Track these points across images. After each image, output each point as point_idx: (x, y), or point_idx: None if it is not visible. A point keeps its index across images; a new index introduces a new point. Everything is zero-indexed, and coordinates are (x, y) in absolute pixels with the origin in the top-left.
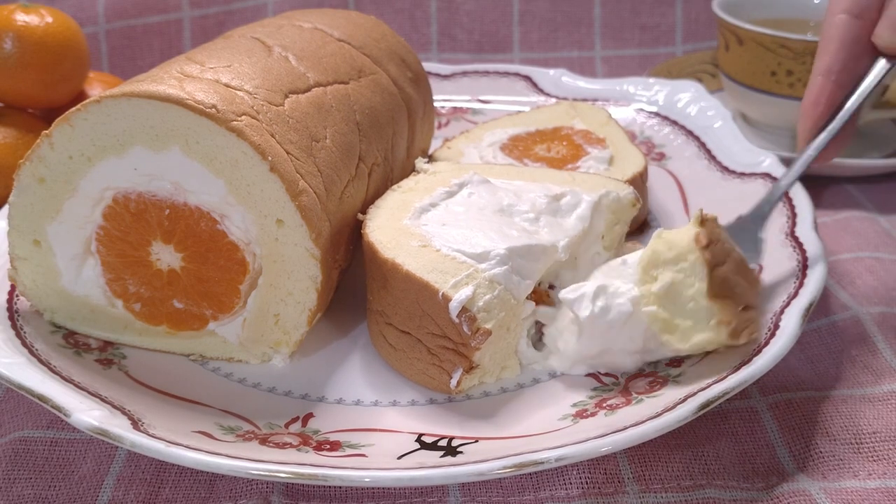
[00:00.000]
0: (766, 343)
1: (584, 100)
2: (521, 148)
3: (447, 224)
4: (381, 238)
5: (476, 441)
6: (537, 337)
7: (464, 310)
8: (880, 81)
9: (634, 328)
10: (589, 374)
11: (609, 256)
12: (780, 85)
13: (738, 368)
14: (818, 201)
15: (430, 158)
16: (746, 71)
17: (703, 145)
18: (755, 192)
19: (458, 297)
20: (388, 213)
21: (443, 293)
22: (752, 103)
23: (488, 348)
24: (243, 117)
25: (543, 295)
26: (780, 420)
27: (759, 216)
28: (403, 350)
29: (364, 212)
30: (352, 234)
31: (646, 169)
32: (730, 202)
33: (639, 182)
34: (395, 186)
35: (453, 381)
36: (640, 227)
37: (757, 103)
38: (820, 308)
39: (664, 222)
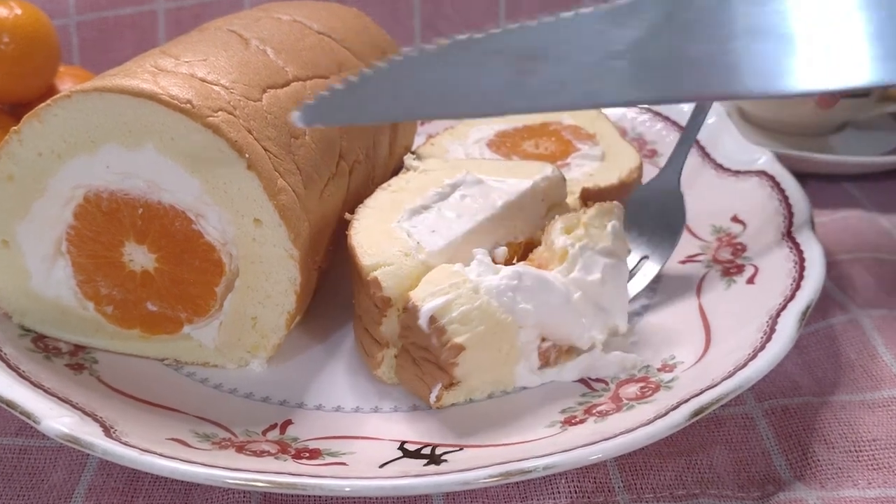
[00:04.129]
0: (762, 347)
1: None
2: (508, 144)
3: (437, 231)
4: (363, 242)
5: (461, 449)
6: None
7: (432, 319)
8: None
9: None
10: (578, 380)
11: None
12: None
13: (732, 374)
14: (816, 200)
15: (416, 156)
16: None
17: (696, 142)
18: (751, 190)
19: (428, 305)
20: (376, 213)
21: (413, 301)
22: (751, 99)
23: (472, 365)
24: (220, 113)
25: None
26: (776, 427)
27: (674, 171)
28: (373, 356)
29: (349, 211)
30: (333, 235)
31: (641, 165)
32: (724, 201)
33: (635, 178)
34: (384, 185)
35: (432, 396)
36: None
37: (755, 100)
38: (817, 311)
39: None
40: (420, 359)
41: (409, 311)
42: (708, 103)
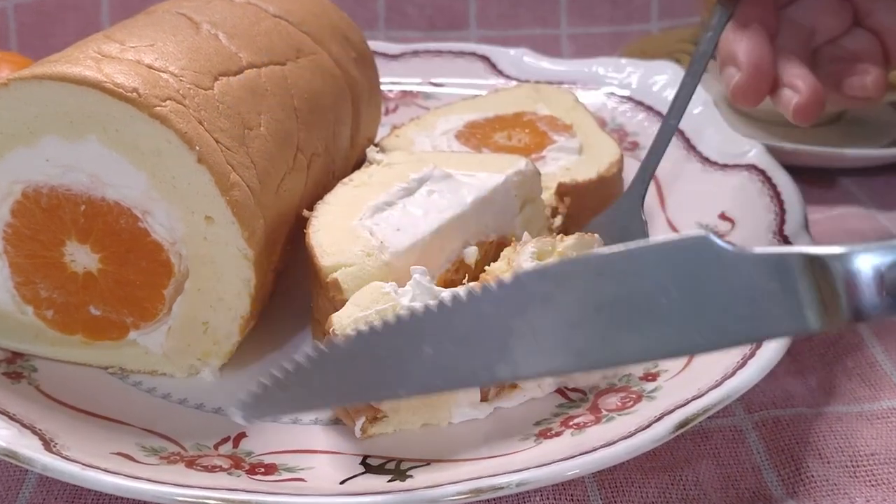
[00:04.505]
0: (752, 354)
1: (549, 82)
2: (478, 136)
3: (402, 230)
4: (322, 241)
5: (428, 464)
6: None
7: None
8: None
9: None
10: (554, 391)
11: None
12: None
13: (720, 383)
14: (810, 196)
15: (379, 148)
16: None
17: (680, 133)
18: (739, 185)
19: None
20: (336, 210)
21: (333, 326)
22: None
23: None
24: (168, 102)
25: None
26: (767, 440)
27: (634, 194)
28: None
29: (307, 208)
30: (290, 233)
31: (621, 158)
32: (710, 196)
33: (615, 173)
34: (345, 180)
35: (356, 429)
36: None
37: None
38: None
39: None
40: (323, 335)
41: (328, 335)
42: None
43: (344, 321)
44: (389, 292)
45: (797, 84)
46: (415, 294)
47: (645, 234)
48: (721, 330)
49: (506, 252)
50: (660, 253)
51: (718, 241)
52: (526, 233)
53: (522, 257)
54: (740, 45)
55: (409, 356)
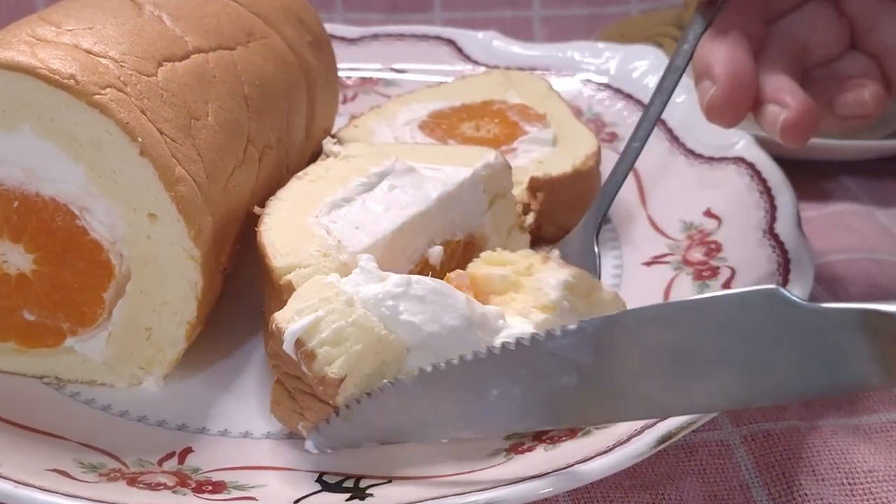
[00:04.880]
0: None
1: (520, 68)
2: (444, 126)
3: (361, 228)
4: (275, 240)
5: (389, 481)
6: None
7: (299, 343)
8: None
9: None
10: None
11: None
12: None
13: None
14: (803, 191)
15: (336, 139)
16: None
17: (663, 123)
18: (727, 179)
19: (293, 327)
20: (291, 206)
21: (276, 323)
22: None
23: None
24: (108, 90)
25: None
26: (756, 456)
27: (589, 225)
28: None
29: (258, 204)
30: (240, 232)
31: (599, 150)
32: (695, 192)
33: (591, 167)
34: (300, 174)
35: (308, 444)
36: None
37: None
38: None
39: (618, 216)
40: (296, 391)
41: (274, 336)
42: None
43: (286, 316)
44: (333, 282)
45: (785, 99)
46: (359, 281)
47: (596, 272)
48: (783, 385)
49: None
50: (729, 305)
51: (787, 294)
52: (555, 253)
53: (552, 282)
54: (717, 54)
55: (477, 398)
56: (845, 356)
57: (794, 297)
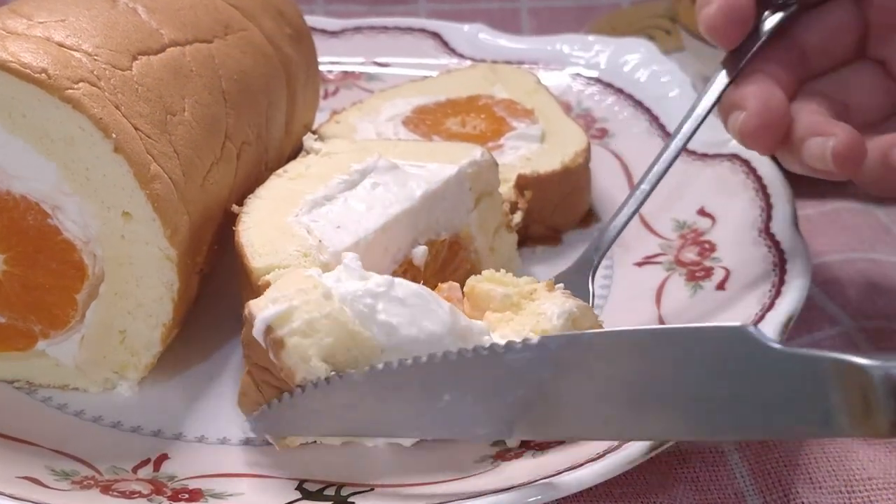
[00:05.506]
0: None
1: (507, 62)
2: (428, 122)
3: (343, 227)
4: (254, 239)
5: (371, 489)
6: None
7: (269, 330)
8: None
9: None
10: None
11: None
12: None
13: None
14: (799, 188)
15: (317, 136)
16: None
17: (655, 119)
18: (720, 176)
19: (265, 313)
20: (270, 205)
21: (249, 310)
22: None
23: None
24: (81, 84)
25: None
26: (751, 463)
27: (585, 263)
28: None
29: (236, 202)
30: (217, 231)
31: (588, 147)
32: (688, 190)
33: (581, 164)
34: (279, 171)
35: (249, 427)
36: (583, 221)
37: None
38: (801, 323)
39: (609, 213)
40: (263, 383)
41: (246, 322)
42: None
43: (261, 303)
44: (312, 275)
45: (828, 129)
46: (340, 278)
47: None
48: (745, 424)
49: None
50: (697, 339)
51: (758, 334)
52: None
53: (551, 311)
54: (746, 89)
55: (427, 401)
56: (812, 403)
57: (764, 339)
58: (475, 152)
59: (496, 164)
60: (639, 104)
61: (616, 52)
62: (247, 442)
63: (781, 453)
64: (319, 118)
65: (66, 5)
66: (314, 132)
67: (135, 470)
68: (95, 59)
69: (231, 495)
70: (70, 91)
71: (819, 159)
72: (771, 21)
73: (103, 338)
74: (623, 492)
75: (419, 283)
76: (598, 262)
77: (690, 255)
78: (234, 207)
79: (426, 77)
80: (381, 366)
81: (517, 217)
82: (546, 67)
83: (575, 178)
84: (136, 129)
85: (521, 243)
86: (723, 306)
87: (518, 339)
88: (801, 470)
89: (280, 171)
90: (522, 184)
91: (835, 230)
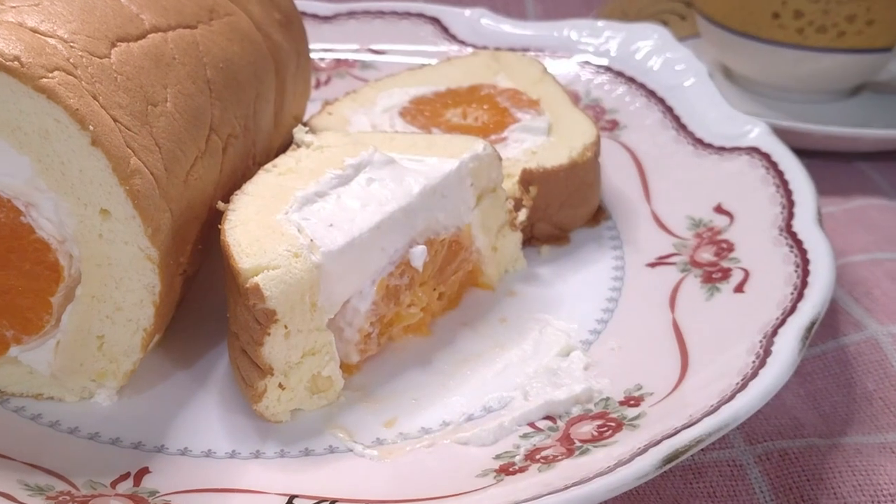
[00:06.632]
0: (754, 374)
1: (511, 49)
2: (427, 113)
3: (335, 225)
4: (241, 239)
5: None
6: None
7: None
8: None
9: None
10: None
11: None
12: (784, 30)
13: (716, 408)
14: (823, 184)
15: (308, 128)
16: (736, 10)
17: (669, 110)
18: (739, 172)
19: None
20: (258, 202)
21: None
22: (742, 54)
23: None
24: (56, 73)
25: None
26: (771, 477)
27: None
28: (253, 385)
29: (222, 199)
30: (202, 230)
31: (598, 140)
32: (704, 186)
33: (590, 158)
34: (268, 166)
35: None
36: (592, 219)
37: (748, 54)
38: (825, 327)
39: (620, 211)
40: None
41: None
42: None
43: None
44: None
45: None
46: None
47: None
48: None
49: None
50: None
51: None
52: None
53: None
54: None
55: None
56: None
57: None
58: (477, 146)
59: (499, 159)
60: (652, 94)
61: (627, 38)
62: (233, 455)
63: (804, 467)
64: (311, 109)
65: None
66: (305, 124)
67: (114, 485)
68: (71, 46)
69: None
70: (44, 80)
71: None
72: None
73: (80, 344)
74: None
75: (417, 285)
76: None
77: (707, 255)
78: (220, 204)
79: (425, 65)
80: None
81: (522, 215)
82: (553, 55)
83: (583, 173)
84: (114, 120)
85: (526, 243)
86: (741, 310)
87: None
88: (826, 485)
89: (269, 165)
90: (527, 179)
91: (861, 228)
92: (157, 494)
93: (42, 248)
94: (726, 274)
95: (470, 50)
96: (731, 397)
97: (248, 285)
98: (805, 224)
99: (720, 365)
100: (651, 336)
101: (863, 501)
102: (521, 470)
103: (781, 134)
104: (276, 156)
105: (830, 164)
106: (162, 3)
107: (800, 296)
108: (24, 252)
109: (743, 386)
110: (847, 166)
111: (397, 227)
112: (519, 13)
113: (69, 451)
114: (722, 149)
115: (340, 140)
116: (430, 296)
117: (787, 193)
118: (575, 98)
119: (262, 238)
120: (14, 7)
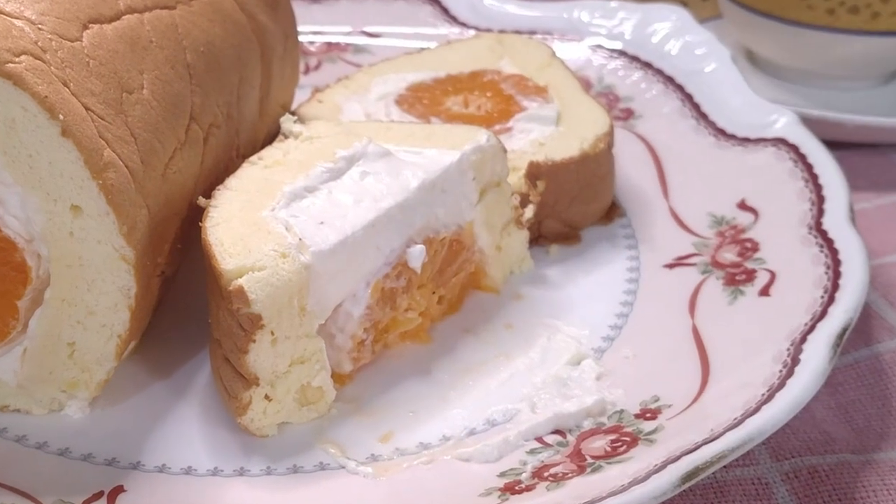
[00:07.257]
0: (781, 385)
1: (517, 32)
2: (425, 102)
3: (327, 223)
4: (223, 238)
5: None
6: None
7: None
8: None
9: None
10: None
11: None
12: (813, 11)
13: (739, 422)
14: (856, 179)
15: (297, 117)
16: None
17: (688, 98)
18: (765, 165)
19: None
20: (242, 197)
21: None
22: (768, 37)
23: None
24: (23, 57)
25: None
26: (800, 496)
27: None
28: (237, 397)
29: (203, 194)
30: (181, 228)
31: (611, 130)
32: (727, 180)
33: (603, 150)
34: (253, 158)
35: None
36: (605, 216)
37: (775, 37)
38: (858, 334)
39: (635, 207)
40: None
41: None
42: None
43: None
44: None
45: None
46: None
47: None
48: None
49: None
50: None
51: None
52: None
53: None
54: None
55: None
56: None
57: None
58: (480, 136)
59: (504, 151)
60: (669, 80)
61: (643, 20)
62: (215, 472)
63: (835, 485)
64: (299, 97)
65: None
66: (293, 113)
67: None
68: (40, 29)
69: None
70: (10, 65)
71: None
72: None
73: (49, 351)
74: None
75: (415, 287)
76: None
77: (729, 255)
78: (201, 200)
79: (423, 49)
80: None
81: (528, 212)
82: (562, 38)
83: (595, 165)
84: (87, 109)
85: (534, 242)
86: (767, 315)
87: None
88: None
89: (254, 157)
90: (535, 173)
91: (895, 226)
92: None
93: (7, 247)
94: (751, 276)
95: (472, 33)
96: (756, 410)
97: (231, 288)
98: (836, 222)
99: (744, 374)
100: (669, 343)
101: None
102: (528, 489)
103: (810, 124)
104: (262, 147)
105: (863, 156)
106: None
107: (830, 299)
108: None
109: (769, 397)
110: (881, 158)
111: (393, 225)
112: None
113: (37, 467)
114: (746, 140)
115: (332, 130)
116: (429, 299)
117: (817, 188)
118: (586, 85)
119: (247, 237)
120: None
